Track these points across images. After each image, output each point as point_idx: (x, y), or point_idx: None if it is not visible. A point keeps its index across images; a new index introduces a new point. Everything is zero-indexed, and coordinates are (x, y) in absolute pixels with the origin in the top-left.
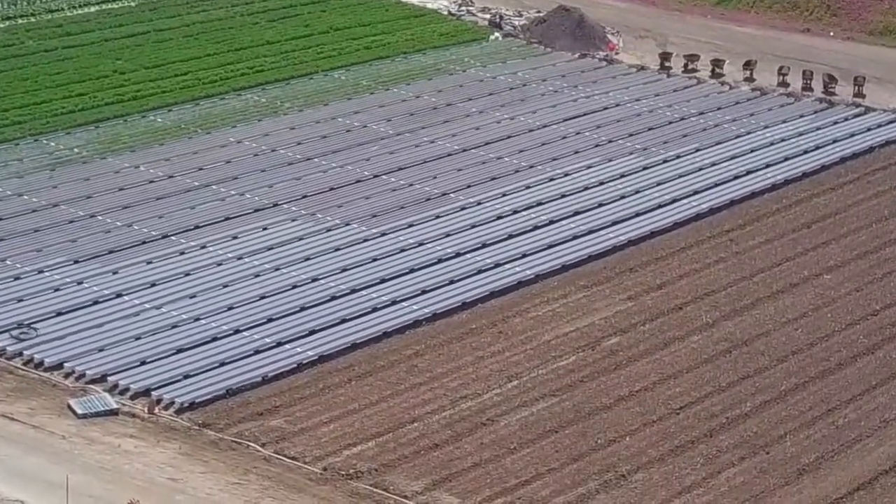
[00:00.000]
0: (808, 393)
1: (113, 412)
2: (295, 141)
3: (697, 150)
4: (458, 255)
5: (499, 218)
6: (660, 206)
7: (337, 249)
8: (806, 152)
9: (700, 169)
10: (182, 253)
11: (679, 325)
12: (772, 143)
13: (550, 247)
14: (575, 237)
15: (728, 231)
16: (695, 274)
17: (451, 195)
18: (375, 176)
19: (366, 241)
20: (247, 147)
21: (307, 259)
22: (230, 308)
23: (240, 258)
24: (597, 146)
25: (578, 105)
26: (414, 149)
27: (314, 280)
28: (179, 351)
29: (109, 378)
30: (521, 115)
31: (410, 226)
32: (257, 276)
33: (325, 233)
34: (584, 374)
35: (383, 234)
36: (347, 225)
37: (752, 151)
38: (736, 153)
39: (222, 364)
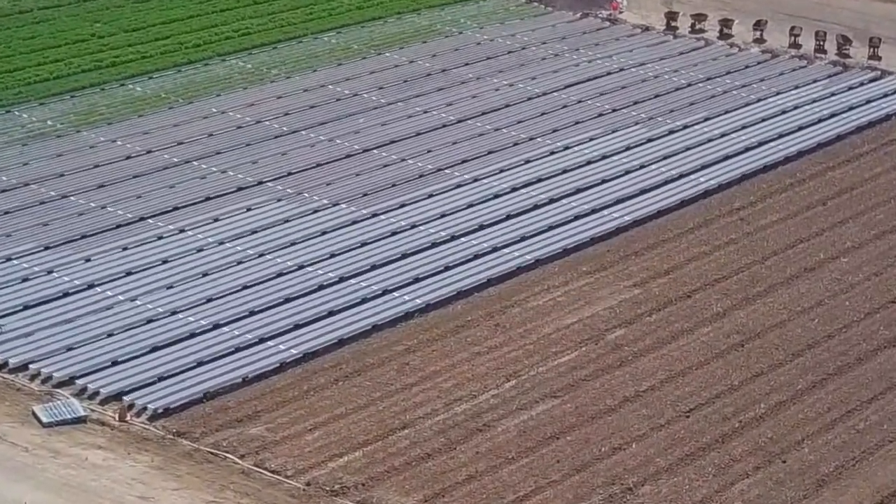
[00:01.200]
0: (826, 392)
1: (81, 420)
2: (282, 111)
3: (706, 120)
4: (453, 238)
5: (496, 197)
6: (666, 182)
7: (324, 233)
8: (820, 121)
9: (709, 140)
10: (160, 238)
11: (688, 315)
12: (784, 112)
13: (551, 228)
14: (577, 217)
15: (739, 209)
16: (704, 257)
17: (447, 171)
18: (366, 150)
19: (355, 223)
20: (230, 118)
21: (293, 244)
22: (210, 300)
23: (221, 243)
24: (600, 115)
25: (580, 70)
26: (407, 120)
27: (300, 268)
28: (154, 349)
29: (78, 381)
30: (520, 81)
31: (402, 206)
32: (240, 262)
33: (312, 214)
34: (586, 371)
35: (374, 216)
36: (336, 205)
37: (763, 121)
38: (746, 122)
39: (200, 364)
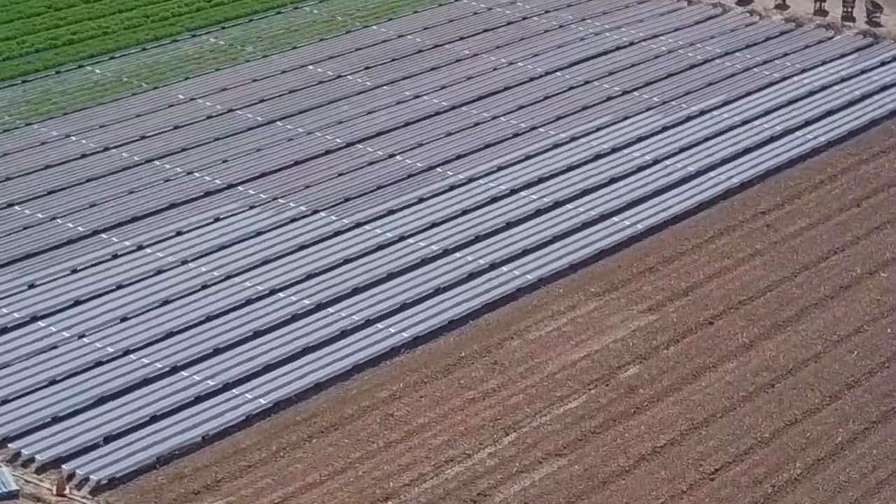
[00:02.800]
0: (870, 445)
1: (12, 495)
2: (256, 97)
3: (725, 104)
4: (445, 252)
5: (494, 201)
6: (683, 181)
7: (302, 248)
8: (851, 104)
9: (729, 129)
10: (115, 256)
11: (710, 347)
12: (811, 93)
13: (555, 240)
14: (584, 225)
15: (764, 212)
16: (726, 273)
17: (438, 169)
18: (349, 144)
19: (336, 235)
20: (199, 107)
21: (265, 262)
22: (169, 335)
23: (184, 262)
24: (609, 99)
25: (586, 45)
26: (395, 107)
27: (272, 293)
28: (102, 400)
29: (11, 444)
30: (521, 58)
31: (389, 213)
32: (204, 287)
33: (288, 225)
34: (596, 421)
35: (357, 226)
36: (315, 213)
37: (788, 104)
38: (769, 107)
39: (154, 419)
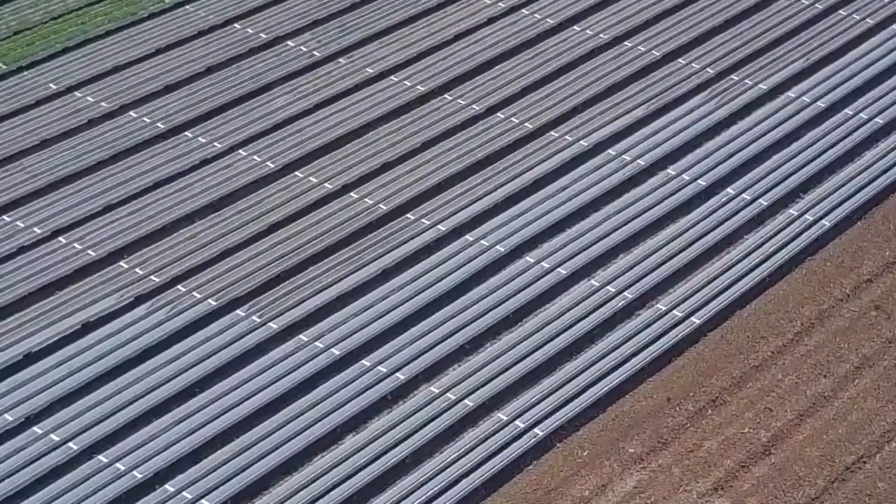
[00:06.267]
0: None
1: None
2: (160, 82)
3: (801, 75)
4: (411, 383)
5: (478, 280)
6: (750, 227)
7: (197, 392)
8: None
9: (807, 123)
10: None
11: None
12: None
13: (553, 394)
14: (605, 322)
15: (869, 280)
16: (822, 407)
17: (409, 216)
18: (285, 167)
19: (258, 348)
20: (74, 106)
21: (128, 430)
22: None
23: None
24: (642, 71)
25: None
26: (352, 95)
27: (157, 488)
28: None
29: None
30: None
31: (330, 311)
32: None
33: (183, 335)
34: None
35: (286, 334)
36: (230, 311)
37: (887, 74)
38: (860, 82)
39: None
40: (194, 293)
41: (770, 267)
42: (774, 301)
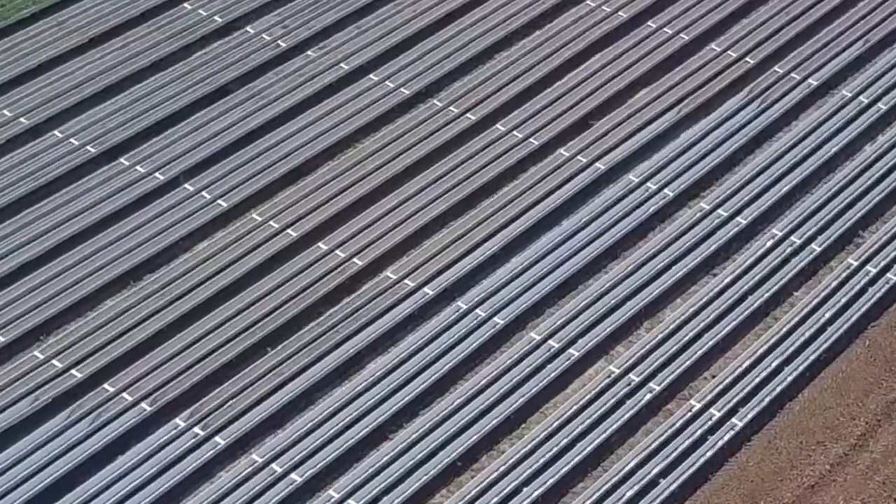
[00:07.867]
0: None
1: None
2: (92, 87)
3: (855, 77)
4: None
5: (467, 366)
6: (795, 282)
7: None
8: None
9: (864, 133)
10: None
11: None
12: None
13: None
14: (599, 455)
15: None
16: None
17: (388, 273)
18: (242, 203)
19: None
20: None
21: None
22: None
23: None
24: (665, 59)
25: None
26: (329, 101)
27: None
28: None
29: None
30: None
31: (306, 404)
32: None
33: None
34: None
35: (243, 455)
36: (173, 423)
37: None
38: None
39: None
40: None
41: (826, 341)
42: (832, 389)
